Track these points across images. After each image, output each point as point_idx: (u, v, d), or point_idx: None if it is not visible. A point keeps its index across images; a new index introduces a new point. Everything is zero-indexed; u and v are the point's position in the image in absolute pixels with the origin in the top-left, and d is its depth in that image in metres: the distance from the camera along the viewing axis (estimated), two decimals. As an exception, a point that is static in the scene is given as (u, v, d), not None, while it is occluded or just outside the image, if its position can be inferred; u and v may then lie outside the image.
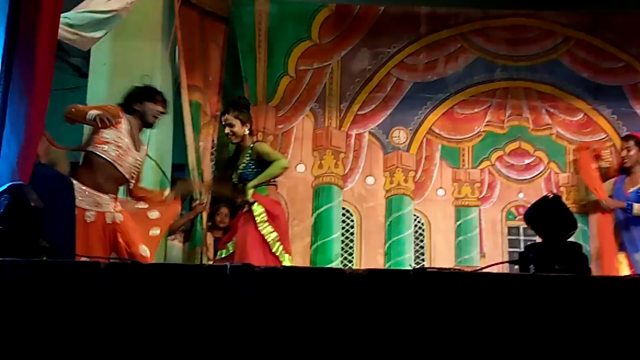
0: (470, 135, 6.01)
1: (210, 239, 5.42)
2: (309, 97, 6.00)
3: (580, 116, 5.95)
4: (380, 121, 5.99)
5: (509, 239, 5.81)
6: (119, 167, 4.18)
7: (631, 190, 5.38)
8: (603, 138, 5.88)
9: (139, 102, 4.32)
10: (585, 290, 2.20)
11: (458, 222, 5.90)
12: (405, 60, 6.04)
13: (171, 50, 5.29)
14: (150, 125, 4.39)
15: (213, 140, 5.70)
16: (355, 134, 5.97)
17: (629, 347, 2.16)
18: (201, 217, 5.33)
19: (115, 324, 2.21)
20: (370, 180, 5.93)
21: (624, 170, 5.50)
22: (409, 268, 5.07)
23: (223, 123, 4.90)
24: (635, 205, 5.25)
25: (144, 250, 4.18)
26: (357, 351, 2.22)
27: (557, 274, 2.26)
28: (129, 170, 4.25)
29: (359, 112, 6.00)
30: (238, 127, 4.81)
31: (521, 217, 5.55)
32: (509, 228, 5.83)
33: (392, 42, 6.05)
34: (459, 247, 5.85)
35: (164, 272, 2.37)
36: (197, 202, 5.24)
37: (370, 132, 5.98)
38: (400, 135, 5.97)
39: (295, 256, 5.13)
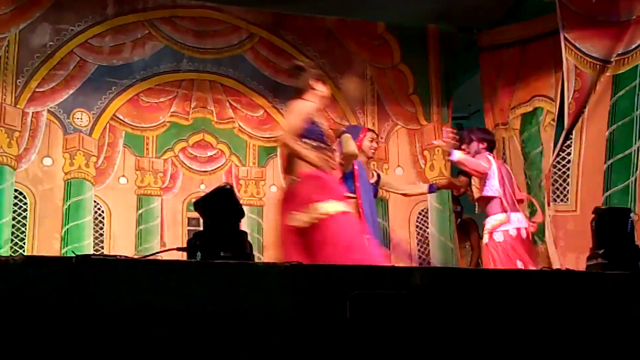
0: (155, 124, 5.97)
1: None
2: (-21, 71, 5.53)
3: (261, 112, 6.19)
4: (61, 100, 5.70)
5: (188, 230, 5.87)
6: None
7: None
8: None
9: None
10: (247, 275, 2.31)
11: (139, 211, 5.84)
12: (90, 40, 5.82)
13: None
14: None
15: None
16: (33, 112, 5.61)
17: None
18: None
19: None
20: (47, 161, 5.62)
21: None
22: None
23: None
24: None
25: None
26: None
27: (220, 261, 2.34)
28: None
29: (37, 90, 5.65)
30: None
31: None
32: (189, 219, 5.89)
33: (76, 20, 5.79)
34: (140, 236, 5.80)
35: None
36: None
37: (49, 111, 5.67)
38: (82, 118, 5.75)
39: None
